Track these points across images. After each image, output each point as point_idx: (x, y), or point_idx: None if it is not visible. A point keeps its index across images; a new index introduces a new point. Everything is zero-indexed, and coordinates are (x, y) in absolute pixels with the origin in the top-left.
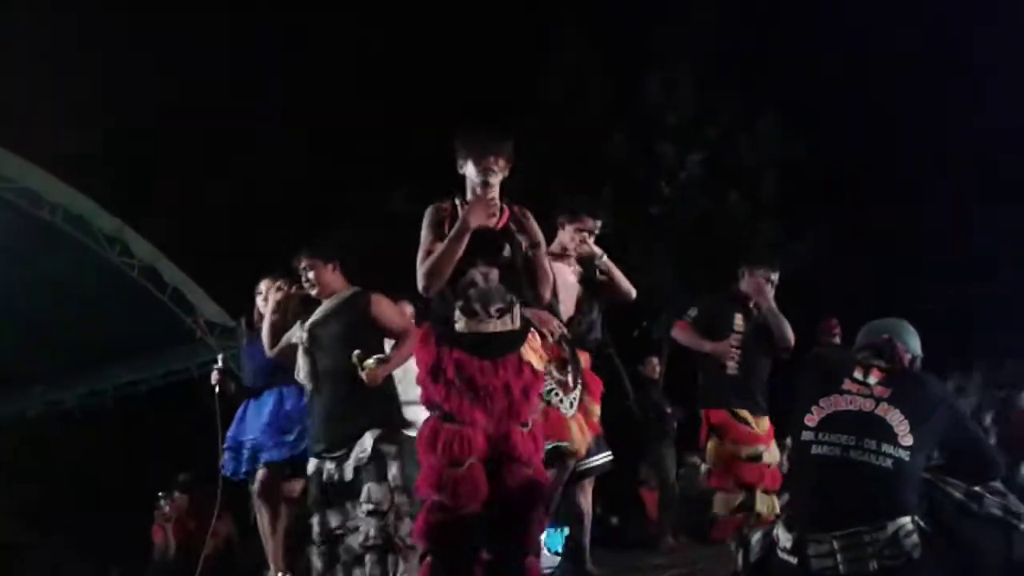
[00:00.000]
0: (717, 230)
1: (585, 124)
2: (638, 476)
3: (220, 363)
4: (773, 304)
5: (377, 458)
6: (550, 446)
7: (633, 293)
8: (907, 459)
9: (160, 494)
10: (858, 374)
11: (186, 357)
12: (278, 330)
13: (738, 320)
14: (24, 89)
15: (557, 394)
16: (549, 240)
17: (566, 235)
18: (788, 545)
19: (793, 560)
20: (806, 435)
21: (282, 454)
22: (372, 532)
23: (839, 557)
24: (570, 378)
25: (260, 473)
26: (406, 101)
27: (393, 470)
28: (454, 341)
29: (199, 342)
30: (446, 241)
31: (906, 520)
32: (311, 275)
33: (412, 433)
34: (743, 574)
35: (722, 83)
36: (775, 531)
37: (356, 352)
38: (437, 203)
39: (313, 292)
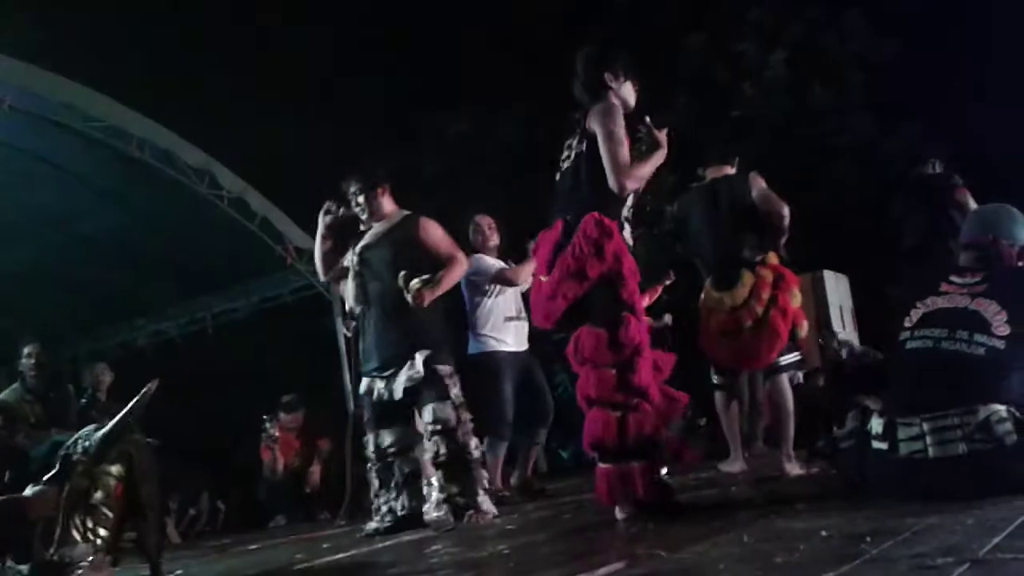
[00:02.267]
0: (802, 130)
1: (660, 24)
2: None
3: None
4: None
5: (435, 378)
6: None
7: None
8: (1002, 347)
9: (265, 417)
10: (956, 277)
11: (279, 284)
12: (329, 255)
13: None
14: (113, 29)
15: None
16: None
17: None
18: (879, 430)
19: (884, 445)
20: (903, 335)
21: None
22: (442, 449)
23: (928, 440)
24: None
25: None
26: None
27: (455, 389)
28: None
29: (290, 268)
30: (653, 161)
31: (999, 407)
32: (361, 199)
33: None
34: (833, 460)
35: None
36: (868, 421)
37: (403, 272)
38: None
39: (364, 216)
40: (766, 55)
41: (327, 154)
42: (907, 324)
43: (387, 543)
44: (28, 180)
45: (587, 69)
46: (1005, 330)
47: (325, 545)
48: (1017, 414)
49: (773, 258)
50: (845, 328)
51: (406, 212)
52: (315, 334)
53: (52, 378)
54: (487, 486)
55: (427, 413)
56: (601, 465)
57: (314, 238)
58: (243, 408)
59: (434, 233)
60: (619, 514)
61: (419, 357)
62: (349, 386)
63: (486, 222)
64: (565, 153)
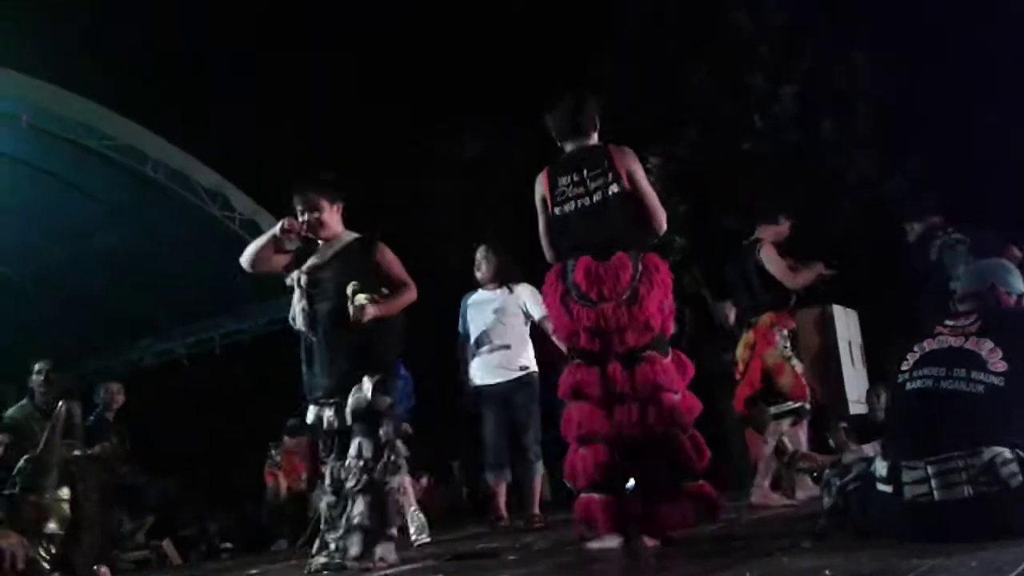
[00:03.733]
0: (810, 164)
1: (667, 57)
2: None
3: None
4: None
5: (371, 412)
6: (799, 404)
7: None
8: (1001, 384)
9: (271, 443)
10: (950, 321)
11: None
12: (265, 257)
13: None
14: (126, 45)
15: (794, 359)
16: None
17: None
18: (884, 473)
19: (888, 488)
20: (901, 377)
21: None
22: (364, 479)
23: (933, 483)
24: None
25: None
26: (471, 36)
27: (386, 427)
28: None
29: None
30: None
31: (1003, 449)
32: (315, 216)
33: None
34: (839, 504)
35: (813, 12)
36: (873, 464)
37: (353, 283)
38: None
39: (311, 234)
40: (775, 88)
41: (341, 179)
42: (904, 368)
43: (387, 572)
44: (42, 197)
45: (591, 108)
46: (1002, 366)
47: (325, 573)
48: (1021, 454)
49: (766, 319)
50: (855, 364)
51: (357, 234)
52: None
53: (61, 395)
54: (392, 533)
55: (353, 446)
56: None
57: None
58: (248, 429)
59: (392, 259)
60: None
61: (367, 383)
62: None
63: (478, 252)
64: (579, 189)
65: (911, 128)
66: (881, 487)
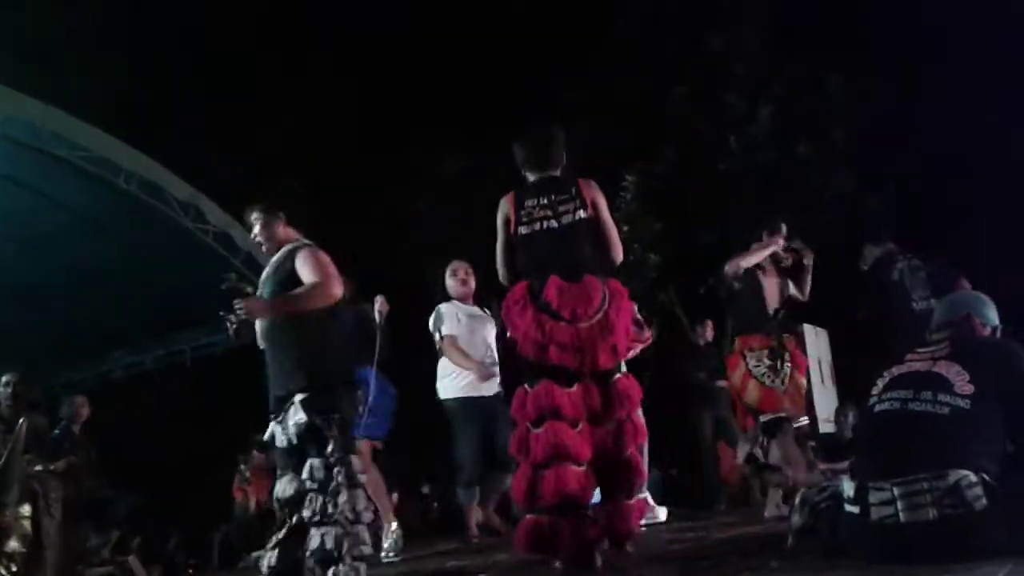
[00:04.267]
0: (787, 184)
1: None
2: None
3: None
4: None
5: (314, 429)
6: (771, 416)
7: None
8: (967, 407)
9: (241, 458)
10: (920, 348)
11: None
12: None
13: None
14: (100, 56)
15: (767, 376)
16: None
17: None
18: (851, 494)
19: (855, 509)
20: (871, 400)
21: (372, 432)
22: (317, 507)
23: (899, 504)
24: (778, 363)
25: (363, 446)
26: (451, 59)
27: (331, 445)
28: None
29: None
30: None
31: (968, 472)
32: (258, 231)
33: (475, 393)
34: (808, 523)
35: (789, 43)
36: (841, 484)
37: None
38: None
39: (263, 249)
40: (752, 108)
41: (316, 192)
42: (873, 392)
43: None
44: (12, 207)
45: (560, 141)
46: (968, 389)
47: None
48: (987, 478)
49: (736, 344)
50: (824, 382)
51: (297, 243)
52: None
53: (26, 409)
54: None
55: (305, 469)
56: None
57: None
58: (218, 444)
59: (308, 260)
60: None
61: (298, 401)
62: None
63: (463, 268)
64: (547, 211)
65: (887, 148)
66: (849, 508)
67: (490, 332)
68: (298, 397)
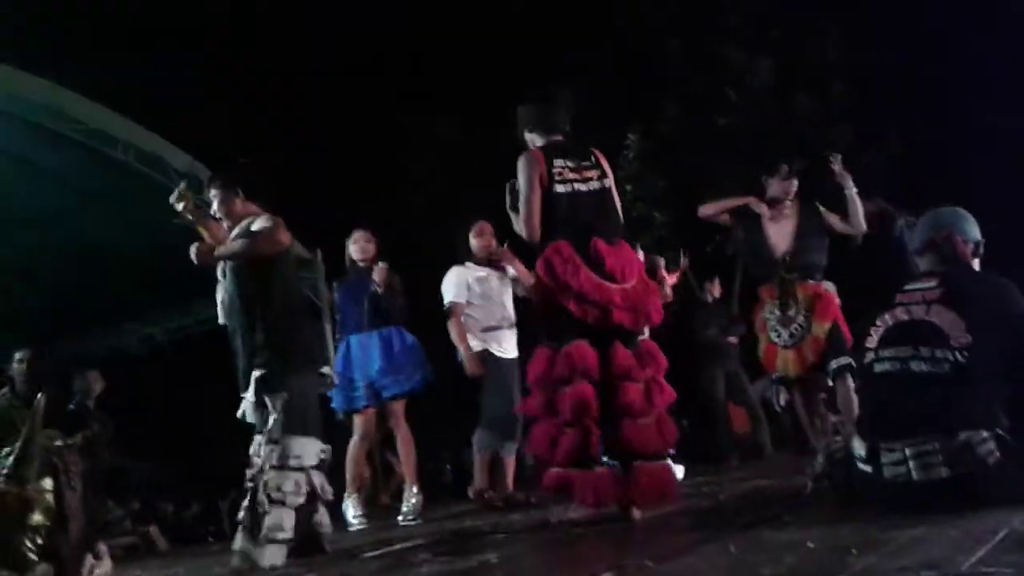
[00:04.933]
0: (787, 138)
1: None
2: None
3: None
4: None
5: (261, 407)
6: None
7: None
8: (965, 361)
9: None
10: (910, 284)
11: None
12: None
13: None
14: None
15: (775, 329)
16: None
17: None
18: (863, 453)
19: (868, 468)
20: (868, 356)
21: (403, 388)
22: (247, 483)
23: (911, 464)
24: (791, 312)
25: (396, 406)
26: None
27: (270, 423)
28: None
29: None
30: None
31: (979, 431)
32: (217, 204)
33: (499, 353)
34: (826, 470)
35: None
36: (852, 442)
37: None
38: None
39: (224, 224)
40: (750, 62)
41: (319, 160)
42: (870, 344)
43: (374, 552)
44: (11, 182)
45: (570, 106)
46: (965, 339)
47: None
48: (999, 432)
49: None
50: None
51: (255, 215)
52: None
53: (41, 384)
54: (278, 537)
55: (253, 444)
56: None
57: (303, 245)
58: (230, 414)
59: (260, 220)
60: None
61: (254, 379)
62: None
63: (490, 228)
64: (575, 175)
65: (887, 101)
66: (861, 466)
67: (507, 295)
68: (255, 374)
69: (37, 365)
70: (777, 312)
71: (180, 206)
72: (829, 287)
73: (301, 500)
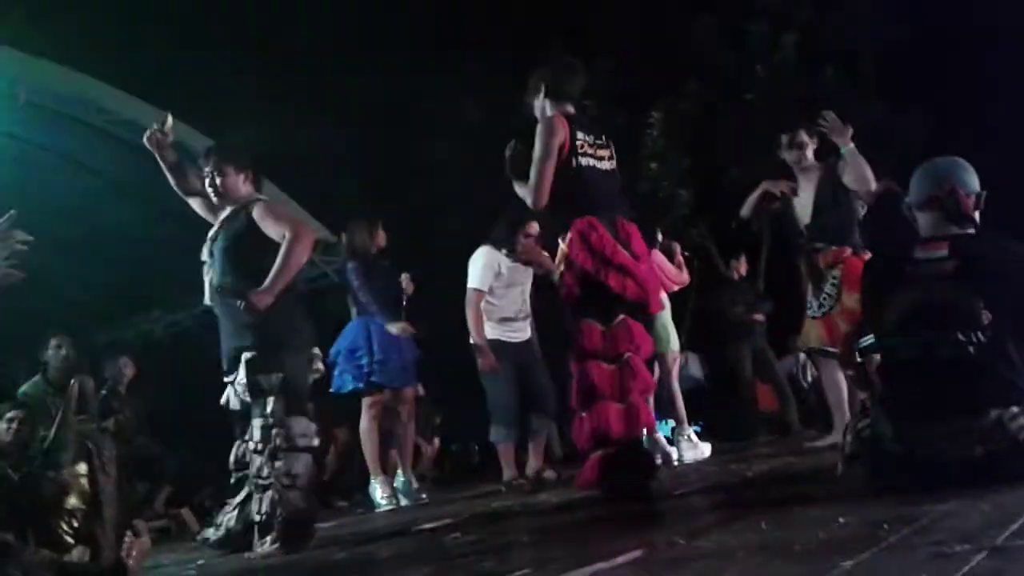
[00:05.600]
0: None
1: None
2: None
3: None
4: None
5: (257, 391)
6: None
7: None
8: (988, 340)
9: None
10: (920, 252)
11: None
12: (176, 169)
13: None
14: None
15: (810, 303)
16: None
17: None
18: (891, 434)
19: (897, 447)
20: (889, 341)
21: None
22: (254, 470)
23: (943, 444)
24: (822, 284)
25: (411, 392)
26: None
27: (270, 405)
28: None
29: None
30: None
31: (1011, 408)
32: (218, 181)
33: (508, 338)
34: (854, 452)
35: None
36: (879, 422)
37: (227, 280)
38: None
39: (216, 200)
40: (776, 37)
41: (344, 147)
42: (889, 325)
43: (405, 532)
44: (42, 173)
45: (584, 77)
46: (986, 317)
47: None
48: None
49: None
50: None
51: (250, 199)
52: (329, 322)
53: (74, 370)
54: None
55: (251, 430)
56: None
57: (326, 229)
58: None
59: (267, 214)
60: None
61: (243, 363)
62: None
63: (536, 229)
64: (592, 151)
65: (915, 74)
66: (889, 445)
67: (528, 284)
68: (244, 356)
69: (71, 351)
70: (810, 286)
71: (151, 133)
72: (858, 252)
73: (307, 480)
